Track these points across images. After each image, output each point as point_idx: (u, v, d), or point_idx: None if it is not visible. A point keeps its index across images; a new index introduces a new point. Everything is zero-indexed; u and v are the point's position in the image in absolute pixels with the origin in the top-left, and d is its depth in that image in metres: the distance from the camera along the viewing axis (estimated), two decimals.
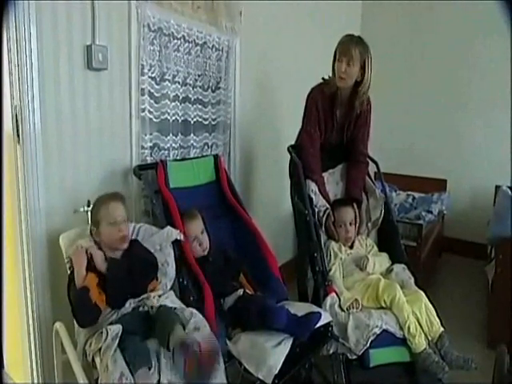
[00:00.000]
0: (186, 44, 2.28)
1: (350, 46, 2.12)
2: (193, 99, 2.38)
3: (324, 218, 2.21)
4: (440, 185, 3.92)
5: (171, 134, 2.28)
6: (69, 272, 1.60)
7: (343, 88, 2.22)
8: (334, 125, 2.33)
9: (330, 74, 2.26)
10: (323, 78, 2.32)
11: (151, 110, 2.13)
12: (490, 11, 3.37)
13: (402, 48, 4.15)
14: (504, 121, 3.51)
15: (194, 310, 1.60)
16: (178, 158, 2.31)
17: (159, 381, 1.39)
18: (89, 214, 1.73)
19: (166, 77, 2.19)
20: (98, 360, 1.40)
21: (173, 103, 2.25)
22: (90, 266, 1.57)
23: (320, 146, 2.31)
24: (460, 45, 3.87)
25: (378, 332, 1.85)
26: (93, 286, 1.51)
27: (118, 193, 1.72)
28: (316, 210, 2.20)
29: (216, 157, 2.27)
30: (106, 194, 1.70)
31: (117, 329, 1.41)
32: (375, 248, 2.32)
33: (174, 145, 2.30)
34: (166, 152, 2.26)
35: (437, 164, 4.05)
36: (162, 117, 2.20)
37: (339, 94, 2.25)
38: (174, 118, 2.27)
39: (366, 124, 2.36)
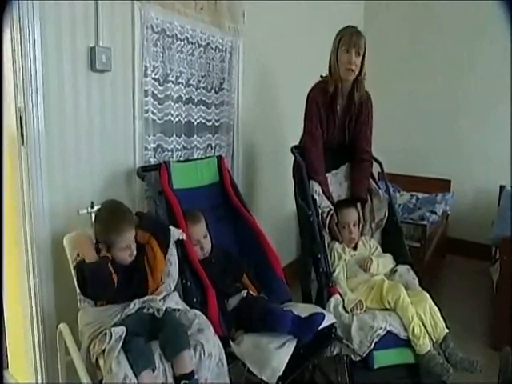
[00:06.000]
0: (190, 45, 2.29)
1: (359, 38, 2.13)
2: (196, 100, 2.38)
3: (327, 219, 2.20)
4: (444, 185, 3.91)
5: (174, 135, 2.28)
6: (75, 262, 1.60)
7: (347, 80, 2.21)
8: (336, 121, 2.32)
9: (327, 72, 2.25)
10: (321, 76, 2.32)
11: (154, 111, 2.13)
12: (491, 11, 3.37)
13: (404, 49, 4.14)
14: (507, 121, 3.50)
15: (198, 312, 1.61)
16: (182, 159, 2.31)
17: (163, 383, 1.39)
18: (94, 225, 1.67)
19: (170, 78, 2.19)
20: (101, 361, 1.40)
21: (176, 104, 2.25)
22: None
23: (323, 147, 2.31)
24: (461, 44, 3.87)
25: (382, 333, 1.84)
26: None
27: (126, 213, 1.64)
28: (319, 210, 2.19)
29: (219, 158, 2.27)
30: (112, 213, 1.64)
31: (121, 330, 1.42)
32: (379, 249, 2.31)
33: (177, 146, 2.30)
34: (170, 153, 2.26)
35: (440, 164, 4.04)
36: (166, 118, 2.20)
37: (340, 87, 2.24)
38: (177, 119, 2.27)
39: (368, 121, 2.35)
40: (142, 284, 1.63)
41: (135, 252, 1.63)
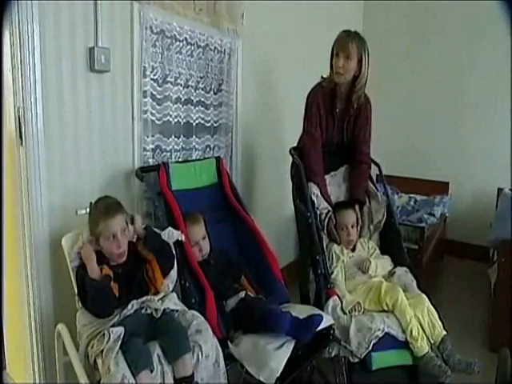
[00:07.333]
0: (189, 46, 2.29)
1: (347, 41, 2.15)
2: (195, 101, 2.39)
3: (326, 221, 2.20)
4: (442, 187, 3.90)
5: (173, 136, 2.28)
6: (74, 264, 1.60)
7: (341, 83, 2.23)
8: (335, 122, 2.33)
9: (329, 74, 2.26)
10: (322, 77, 2.33)
11: (153, 111, 2.13)
12: (491, 11, 3.38)
13: (404, 49, 4.14)
14: (507, 123, 3.51)
15: (196, 313, 1.61)
16: (180, 160, 2.31)
17: (161, 383, 1.40)
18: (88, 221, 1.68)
19: (168, 79, 2.19)
20: (99, 362, 1.40)
21: (175, 105, 2.25)
22: (101, 261, 1.59)
23: (322, 148, 2.31)
24: (461, 45, 3.87)
25: (381, 335, 1.84)
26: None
27: (115, 203, 1.65)
28: (318, 212, 2.19)
29: (218, 159, 2.27)
30: (103, 203, 1.65)
31: (119, 331, 1.42)
32: (377, 251, 2.31)
33: (176, 147, 2.30)
34: (168, 154, 2.26)
35: (439, 166, 4.04)
36: (164, 119, 2.21)
37: (338, 89, 2.26)
38: (176, 120, 2.27)
39: (367, 123, 2.36)
40: (140, 290, 1.62)
41: (124, 248, 1.61)
